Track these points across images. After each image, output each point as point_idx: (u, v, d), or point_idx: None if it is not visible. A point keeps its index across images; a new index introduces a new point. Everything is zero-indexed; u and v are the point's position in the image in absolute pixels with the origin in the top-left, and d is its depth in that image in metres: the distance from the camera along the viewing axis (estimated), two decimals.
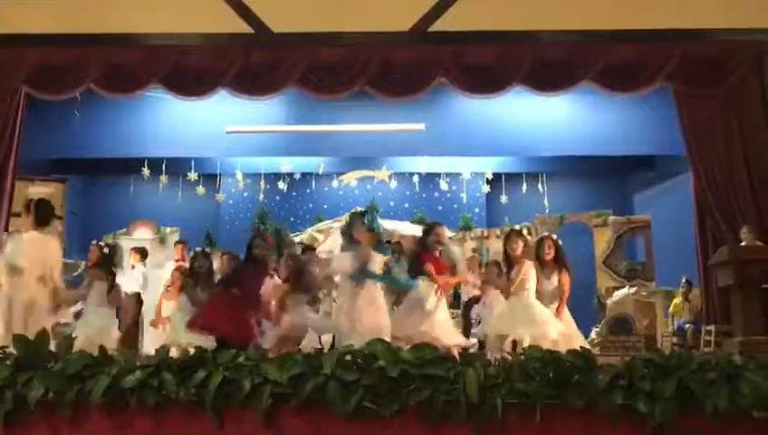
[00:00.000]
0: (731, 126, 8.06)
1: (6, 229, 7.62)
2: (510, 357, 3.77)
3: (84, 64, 8.12)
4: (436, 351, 3.58)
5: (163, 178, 11.14)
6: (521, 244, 6.05)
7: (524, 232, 6.30)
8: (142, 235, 10.88)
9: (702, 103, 8.16)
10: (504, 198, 11.42)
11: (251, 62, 8.23)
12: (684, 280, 8.94)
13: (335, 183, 12.26)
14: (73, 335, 4.57)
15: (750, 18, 7.92)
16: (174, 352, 5.21)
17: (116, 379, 3.43)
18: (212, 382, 3.39)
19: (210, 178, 11.85)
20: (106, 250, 6.53)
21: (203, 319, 5.35)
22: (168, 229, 11.06)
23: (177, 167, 11.23)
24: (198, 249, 6.53)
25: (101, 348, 3.67)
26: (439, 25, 8.00)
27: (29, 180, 10.05)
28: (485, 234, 11.29)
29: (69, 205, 10.58)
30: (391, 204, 12.30)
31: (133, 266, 8.52)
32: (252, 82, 8.33)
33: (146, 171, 10.94)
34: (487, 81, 8.20)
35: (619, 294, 9.09)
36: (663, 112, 8.69)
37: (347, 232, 6.02)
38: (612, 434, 3.36)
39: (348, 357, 3.48)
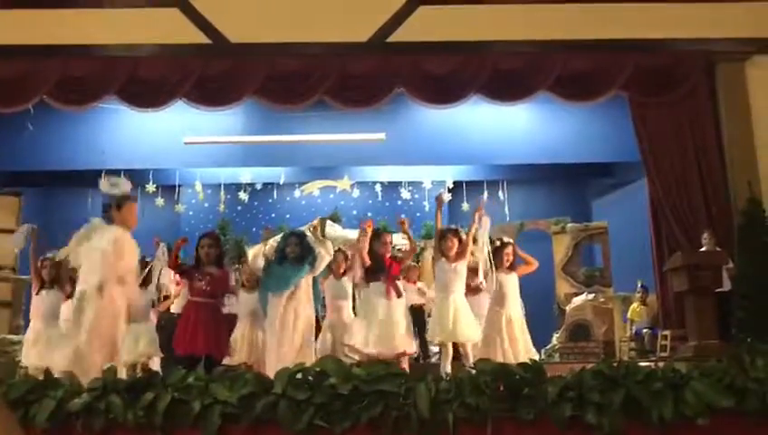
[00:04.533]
0: (684, 133, 8.24)
1: None
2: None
3: (37, 76, 7.99)
4: (387, 366, 3.58)
5: None
6: (456, 242, 6.06)
7: (459, 231, 6.27)
8: None
9: (656, 112, 8.35)
10: (465, 206, 11.46)
11: (208, 72, 8.19)
12: (639, 285, 9.09)
13: (297, 193, 12.20)
14: None
15: (701, 29, 8.13)
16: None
17: (61, 403, 3.36)
18: (161, 404, 3.35)
19: (169, 190, 11.69)
20: None
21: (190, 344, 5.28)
22: None
23: (135, 178, 10.99)
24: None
25: (48, 371, 3.60)
26: (397, 36, 8.05)
27: None
28: None
29: (24, 219, 10.35)
30: (354, 213, 12.27)
31: None
32: (210, 93, 8.29)
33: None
34: (445, 91, 8.27)
35: (577, 300, 9.20)
36: (620, 120, 8.83)
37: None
38: None
39: (299, 375, 3.47)
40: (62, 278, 6.51)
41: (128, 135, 10.10)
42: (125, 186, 5.19)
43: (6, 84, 7.94)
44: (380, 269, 5.92)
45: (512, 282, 6.23)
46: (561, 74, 8.13)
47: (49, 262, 6.58)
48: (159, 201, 11.27)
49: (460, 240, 6.02)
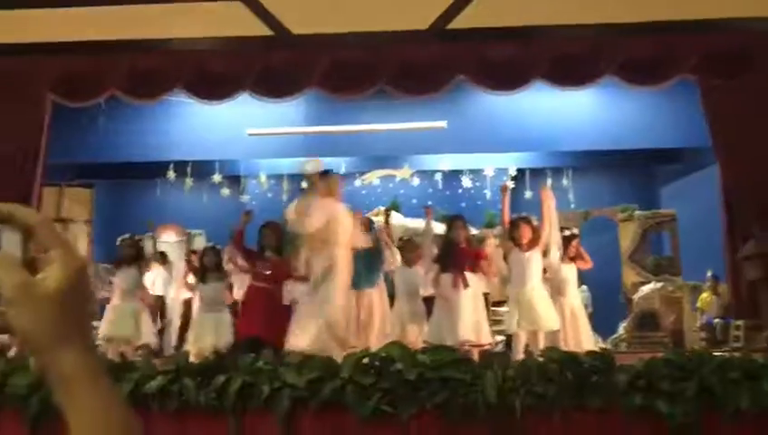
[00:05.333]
0: (758, 117, 7.90)
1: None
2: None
3: (108, 71, 8.22)
4: (453, 353, 3.58)
5: (188, 180, 11.24)
6: (528, 230, 5.94)
7: (530, 218, 6.17)
8: (168, 237, 11.01)
9: (727, 95, 8.01)
10: (528, 194, 11.31)
11: (271, 64, 8.27)
12: (709, 274, 8.81)
13: (358, 182, 12.27)
14: None
15: None
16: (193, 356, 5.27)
17: (138, 385, 3.49)
18: (232, 387, 3.44)
19: (234, 180, 11.95)
20: None
21: (249, 327, 5.40)
22: (194, 231, 11.17)
23: (201, 169, 11.34)
24: (209, 244, 6.73)
25: (123, 355, 3.73)
26: (458, 23, 7.96)
27: (56, 186, 10.25)
28: None
29: (97, 210, 10.74)
30: (414, 202, 12.28)
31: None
32: (272, 84, 8.38)
33: (171, 174, 11.05)
34: (507, 77, 8.15)
35: (645, 289, 8.97)
36: (688, 103, 8.55)
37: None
38: None
39: (365, 360, 3.50)
40: (142, 256, 6.78)
41: (194, 127, 10.35)
42: (320, 164, 5.99)
43: (80, 80, 8.21)
44: (449, 259, 5.84)
45: (573, 272, 6.25)
46: (626, 58, 7.89)
47: (127, 241, 6.83)
48: (225, 191, 11.54)
49: (533, 228, 5.94)
